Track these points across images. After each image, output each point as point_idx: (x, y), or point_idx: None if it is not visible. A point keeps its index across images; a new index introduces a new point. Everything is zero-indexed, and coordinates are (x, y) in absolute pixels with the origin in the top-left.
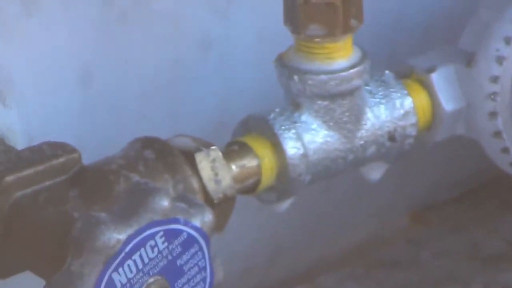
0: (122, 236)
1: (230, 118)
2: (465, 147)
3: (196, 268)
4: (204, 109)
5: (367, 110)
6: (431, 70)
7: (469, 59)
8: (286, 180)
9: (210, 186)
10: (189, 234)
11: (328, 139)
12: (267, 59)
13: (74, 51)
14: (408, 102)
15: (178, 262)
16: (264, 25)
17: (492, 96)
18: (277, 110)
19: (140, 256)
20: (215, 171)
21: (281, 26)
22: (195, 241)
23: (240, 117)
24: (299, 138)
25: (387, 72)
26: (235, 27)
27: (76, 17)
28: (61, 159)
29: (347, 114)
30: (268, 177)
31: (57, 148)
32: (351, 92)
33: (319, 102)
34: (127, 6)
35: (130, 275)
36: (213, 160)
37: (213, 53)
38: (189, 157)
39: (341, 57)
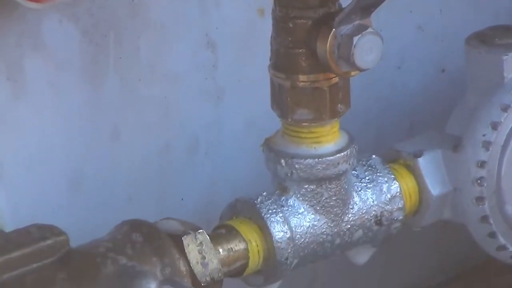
0: None
1: (218, 201)
2: (453, 231)
3: None
4: (192, 193)
5: (354, 194)
6: (418, 155)
7: (455, 144)
8: (273, 263)
9: (198, 269)
10: None
11: (315, 223)
12: (255, 144)
13: (64, 145)
14: (395, 186)
15: None
16: (252, 111)
17: (479, 181)
18: (264, 193)
19: None
20: (203, 254)
21: (269, 111)
22: None
23: (228, 201)
24: (286, 222)
25: (374, 156)
26: (225, 114)
27: (65, 102)
28: (49, 242)
29: (334, 198)
30: (255, 260)
31: (45, 231)
32: (338, 177)
33: (306, 186)
34: (116, 89)
35: None
36: (201, 244)
37: (203, 139)
38: (177, 241)
39: (328, 141)
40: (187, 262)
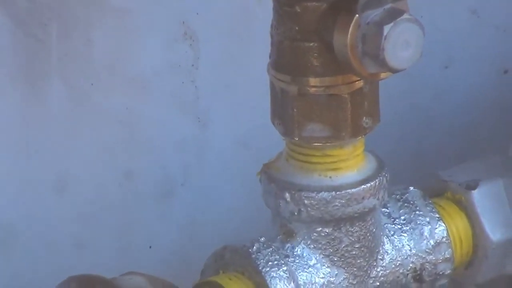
0: None
1: (198, 250)
2: None
3: None
4: (164, 238)
5: (385, 240)
6: (472, 186)
7: None
8: None
9: None
10: None
11: (332, 279)
12: (249, 171)
13: None
14: (440, 229)
15: None
16: (245, 127)
17: None
18: (262, 239)
19: None
20: None
21: (268, 126)
22: None
23: (213, 249)
24: (292, 277)
25: (411, 188)
26: (208, 131)
27: None
28: None
29: (357, 245)
30: None
31: None
32: (362, 216)
33: (319, 229)
34: (61, 97)
35: None
36: None
37: (178, 165)
38: None
39: (349, 168)
40: None
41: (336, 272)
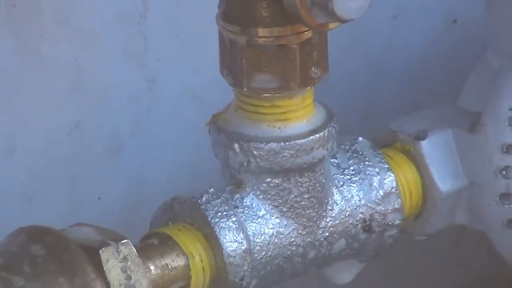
0: None
1: (147, 201)
2: (469, 239)
3: None
4: (113, 189)
5: (334, 190)
6: (421, 136)
7: (472, 122)
8: (223, 285)
9: None
10: None
11: (281, 229)
12: (197, 122)
13: None
14: (389, 180)
15: None
16: (194, 78)
17: (504, 172)
18: (211, 190)
19: None
20: (127, 273)
21: (217, 77)
22: None
23: (162, 200)
24: (241, 228)
25: (361, 139)
26: (157, 82)
27: None
28: None
29: (306, 196)
30: (199, 281)
31: None
32: (311, 167)
33: (269, 179)
34: (10, 49)
35: None
36: (125, 259)
37: (127, 116)
38: (92, 254)
39: (298, 118)
40: (106, 284)
41: (286, 222)
